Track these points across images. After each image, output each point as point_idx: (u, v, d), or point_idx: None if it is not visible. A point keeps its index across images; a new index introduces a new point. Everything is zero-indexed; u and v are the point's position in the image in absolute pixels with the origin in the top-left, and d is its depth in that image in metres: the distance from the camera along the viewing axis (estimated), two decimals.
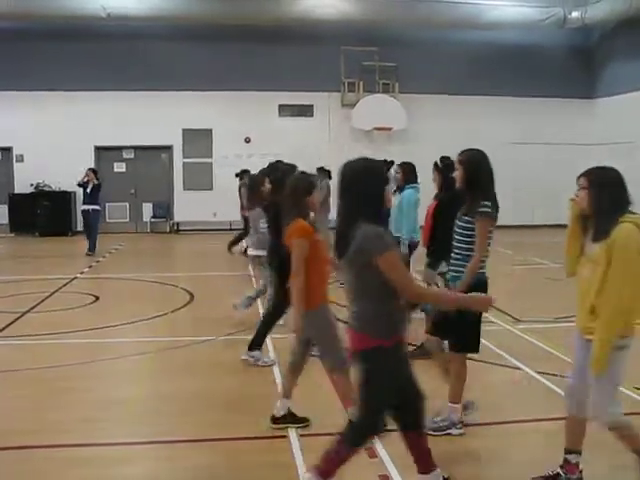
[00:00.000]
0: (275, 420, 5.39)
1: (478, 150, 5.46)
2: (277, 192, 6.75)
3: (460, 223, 5.18)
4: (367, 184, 3.78)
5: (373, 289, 3.72)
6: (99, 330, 8.54)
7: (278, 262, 6.34)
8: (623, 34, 20.82)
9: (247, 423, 5.53)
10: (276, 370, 6.88)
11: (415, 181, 8.68)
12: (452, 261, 5.30)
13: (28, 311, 9.69)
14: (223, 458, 4.95)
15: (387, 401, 3.92)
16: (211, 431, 5.39)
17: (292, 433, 5.23)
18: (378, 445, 4.95)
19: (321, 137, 21.76)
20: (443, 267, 7.03)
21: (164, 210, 21.97)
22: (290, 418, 5.39)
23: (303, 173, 5.90)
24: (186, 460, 4.92)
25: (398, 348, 3.85)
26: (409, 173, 8.70)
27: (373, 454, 4.86)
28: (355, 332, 3.83)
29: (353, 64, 21.40)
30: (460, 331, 5.14)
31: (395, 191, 8.86)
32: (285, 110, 21.96)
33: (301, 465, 4.69)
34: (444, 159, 7.32)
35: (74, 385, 5.76)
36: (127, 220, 22.02)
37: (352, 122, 21.52)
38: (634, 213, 4.00)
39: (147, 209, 22.06)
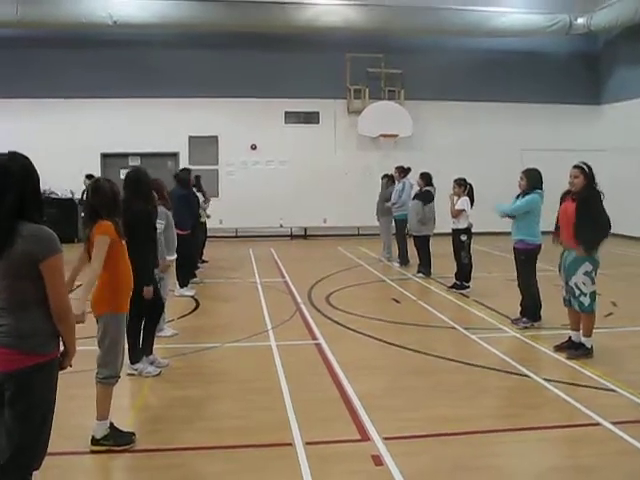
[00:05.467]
0: (96, 442, 5.11)
1: None
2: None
3: None
4: (28, 180, 3.44)
5: (33, 297, 3.41)
6: None
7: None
8: (629, 41, 20.80)
9: (252, 430, 5.51)
10: (282, 377, 6.87)
11: (541, 187, 8.87)
12: None
13: None
14: (232, 466, 4.91)
15: (48, 424, 3.57)
16: (218, 438, 5.36)
17: (298, 440, 5.20)
18: (389, 453, 4.93)
19: (327, 144, 21.80)
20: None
21: None
22: (113, 437, 5.13)
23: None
24: (190, 468, 4.90)
25: (56, 364, 3.56)
26: (534, 178, 8.85)
27: (379, 462, 4.82)
28: (5, 349, 3.39)
29: (359, 71, 21.42)
30: None
31: (518, 196, 8.98)
32: (291, 117, 21.96)
33: (307, 473, 4.66)
34: (585, 163, 7.56)
35: (76, 392, 5.71)
36: None
37: (358, 129, 21.52)
38: None
39: None
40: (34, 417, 3.47)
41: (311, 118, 22.02)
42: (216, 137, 21.55)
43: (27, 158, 3.51)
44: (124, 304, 5.29)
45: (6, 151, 3.52)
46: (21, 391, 3.43)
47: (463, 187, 11.76)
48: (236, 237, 21.12)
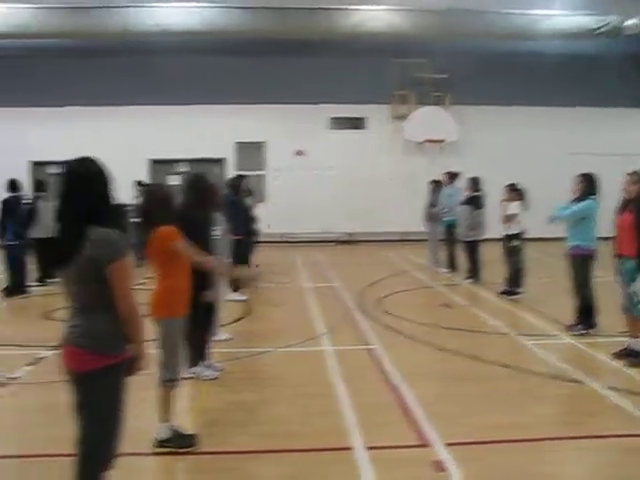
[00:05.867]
0: (159, 443, 5.20)
1: None
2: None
3: None
4: (99, 185, 3.51)
5: (102, 300, 3.46)
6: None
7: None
8: None
9: (309, 434, 5.54)
10: (337, 382, 6.89)
11: (595, 192, 8.80)
12: None
13: None
14: (288, 469, 4.93)
15: (120, 424, 3.65)
16: (273, 442, 5.40)
17: (358, 445, 5.21)
18: (448, 459, 4.91)
19: (372, 149, 21.78)
20: None
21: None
22: (177, 439, 5.20)
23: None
24: (251, 472, 4.93)
25: (125, 366, 3.61)
26: (590, 184, 8.79)
27: (440, 468, 4.80)
28: (79, 349, 3.49)
29: (405, 76, 21.36)
30: None
31: (573, 201, 8.93)
32: (337, 123, 22.01)
33: (370, 477, 4.67)
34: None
35: (138, 394, 5.77)
36: None
37: (404, 134, 21.48)
38: None
39: None
40: (104, 418, 3.55)
41: (357, 124, 22.06)
42: (263, 143, 21.71)
43: (97, 162, 3.57)
44: (181, 308, 5.34)
45: (77, 157, 3.59)
46: (91, 392, 3.51)
47: (515, 192, 11.67)
48: (282, 242, 21.19)
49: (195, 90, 20.64)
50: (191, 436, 5.26)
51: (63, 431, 4.97)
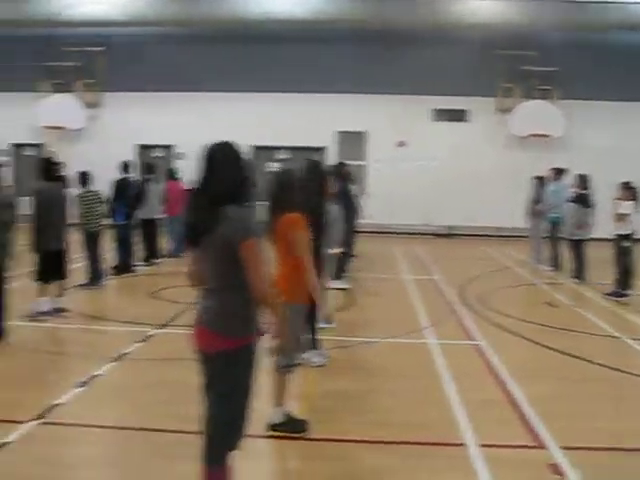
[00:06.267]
0: (272, 427, 5.24)
1: None
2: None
3: None
4: (237, 167, 3.58)
5: (235, 280, 3.50)
6: None
7: None
8: None
9: (418, 426, 5.50)
10: (444, 376, 6.82)
11: None
12: None
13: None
14: (396, 461, 4.90)
15: (248, 406, 3.66)
16: (381, 432, 5.38)
17: (470, 441, 5.14)
18: (565, 462, 4.79)
19: (475, 142, 21.45)
20: None
21: None
22: (290, 424, 5.25)
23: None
24: (359, 460, 4.93)
25: (253, 349, 3.62)
26: None
27: (557, 471, 4.68)
28: (209, 330, 3.56)
29: (511, 68, 20.90)
30: None
31: None
32: (439, 114, 21.78)
33: (485, 476, 4.59)
34: None
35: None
36: None
37: (509, 128, 21.06)
38: None
39: None
40: (231, 399, 3.61)
41: (460, 116, 21.76)
42: (364, 133, 21.69)
43: (237, 146, 3.64)
44: (304, 295, 5.35)
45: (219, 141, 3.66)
46: (219, 373, 3.57)
47: (629, 191, 11.25)
48: (381, 233, 21.12)
49: (298, 78, 20.80)
50: (303, 421, 5.32)
51: (183, 409, 5.15)
